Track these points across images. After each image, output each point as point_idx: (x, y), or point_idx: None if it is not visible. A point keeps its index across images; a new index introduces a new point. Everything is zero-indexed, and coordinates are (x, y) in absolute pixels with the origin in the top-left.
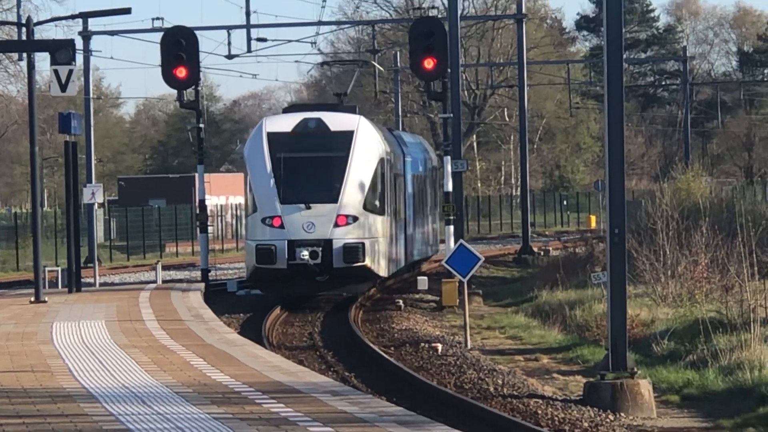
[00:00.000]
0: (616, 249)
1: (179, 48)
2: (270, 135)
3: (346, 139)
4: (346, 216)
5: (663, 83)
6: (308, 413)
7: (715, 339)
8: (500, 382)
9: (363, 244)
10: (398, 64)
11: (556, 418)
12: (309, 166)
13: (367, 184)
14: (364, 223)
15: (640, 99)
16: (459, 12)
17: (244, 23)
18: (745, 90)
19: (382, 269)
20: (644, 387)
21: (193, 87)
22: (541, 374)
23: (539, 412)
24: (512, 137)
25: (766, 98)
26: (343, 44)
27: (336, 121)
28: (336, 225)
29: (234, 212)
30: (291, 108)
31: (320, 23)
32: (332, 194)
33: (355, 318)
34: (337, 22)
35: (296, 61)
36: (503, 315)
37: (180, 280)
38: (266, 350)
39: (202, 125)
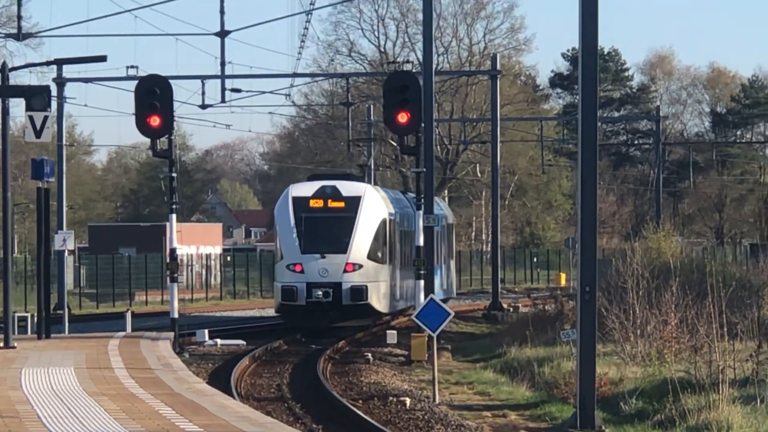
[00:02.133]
0: (587, 307)
1: (153, 97)
2: (294, 199)
3: (354, 202)
4: (353, 264)
5: (636, 142)
6: None
7: (684, 399)
8: None
9: (366, 286)
10: (371, 117)
11: None
12: (324, 223)
13: (371, 238)
14: (368, 270)
15: (613, 158)
16: (433, 67)
17: (219, 73)
18: (718, 151)
19: (382, 306)
20: None
21: (167, 136)
22: (508, 431)
23: None
24: (484, 193)
25: (739, 159)
26: (317, 96)
27: (347, 188)
28: (345, 271)
29: (204, 262)
30: (313, 177)
31: (295, 75)
32: (342, 246)
33: (324, 370)
34: (312, 75)
35: (270, 113)
36: (472, 370)
37: (149, 329)
38: (235, 401)
39: (174, 174)
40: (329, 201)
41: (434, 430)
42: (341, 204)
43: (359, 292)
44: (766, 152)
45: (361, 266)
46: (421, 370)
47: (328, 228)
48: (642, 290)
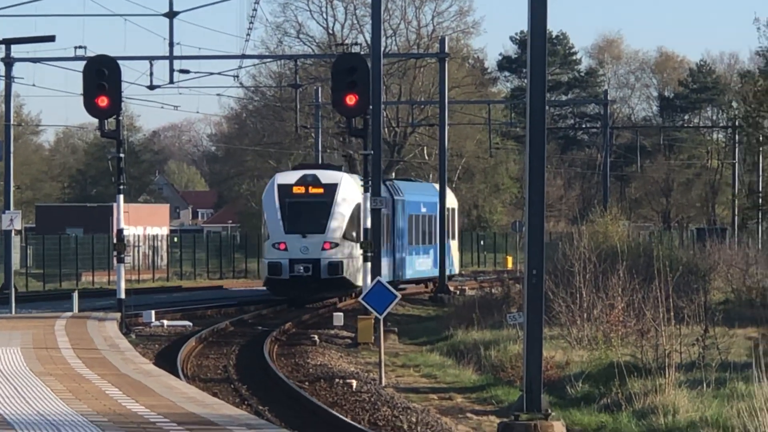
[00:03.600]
0: (534, 290)
1: (101, 77)
2: (279, 186)
3: (332, 189)
4: (330, 242)
5: (583, 126)
6: None
7: (630, 383)
8: (414, 420)
9: (342, 262)
10: (319, 99)
11: None
12: (305, 207)
13: (346, 220)
14: (344, 248)
15: (560, 141)
16: (382, 49)
17: (167, 54)
18: (665, 135)
19: (357, 280)
20: (558, 429)
21: (115, 116)
22: (455, 413)
23: None
24: (431, 176)
25: (686, 144)
26: (265, 78)
27: (326, 176)
28: (323, 249)
29: (151, 243)
30: (298, 166)
31: (243, 57)
32: (321, 227)
33: (270, 352)
34: (260, 56)
35: (218, 94)
36: (418, 353)
37: (96, 309)
38: (181, 381)
39: (122, 155)
40: (310, 188)
41: (380, 413)
42: (320, 190)
43: (336, 267)
44: (713, 137)
45: (337, 244)
46: (367, 353)
47: (308, 211)
48: (589, 274)
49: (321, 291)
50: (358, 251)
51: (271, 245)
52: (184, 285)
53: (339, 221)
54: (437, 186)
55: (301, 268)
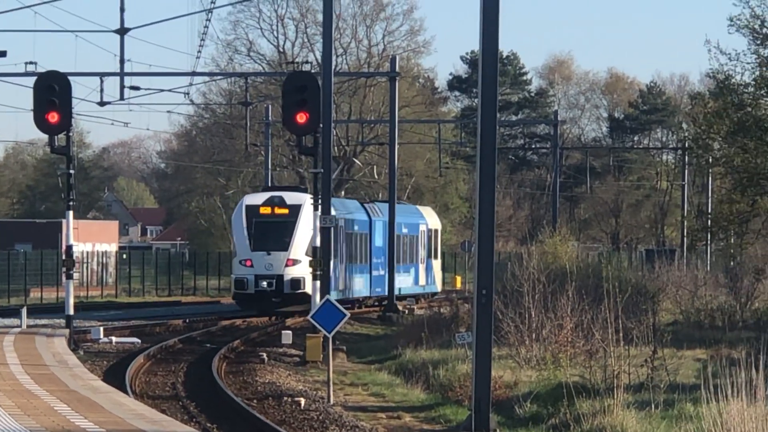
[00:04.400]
0: (483, 310)
1: (52, 93)
2: (247, 206)
3: (296, 210)
4: (293, 259)
5: (533, 146)
6: None
7: (578, 403)
8: None
9: (304, 278)
10: (269, 117)
11: None
12: (271, 226)
13: (309, 238)
14: (306, 265)
15: (510, 161)
16: (332, 68)
17: (118, 71)
18: (615, 156)
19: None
20: None
21: (65, 132)
22: None
23: None
24: (381, 195)
25: (635, 165)
26: (215, 96)
27: (291, 197)
28: (286, 265)
29: (100, 259)
30: (266, 188)
31: (194, 74)
32: (284, 245)
33: (219, 369)
34: (210, 73)
35: (168, 111)
36: (366, 372)
37: (45, 326)
38: (130, 398)
39: (72, 171)
40: (276, 208)
41: (329, 431)
42: (286, 211)
43: (298, 282)
44: (662, 158)
45: (299, 261)
46: (316, 371)
47: (273, 230)
48: (538, 294)
49: (284, 305)
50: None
51: (239, 262)
52: (153, 299)
53: (302, 240)
54: (420, 208)
55: (265, 283)
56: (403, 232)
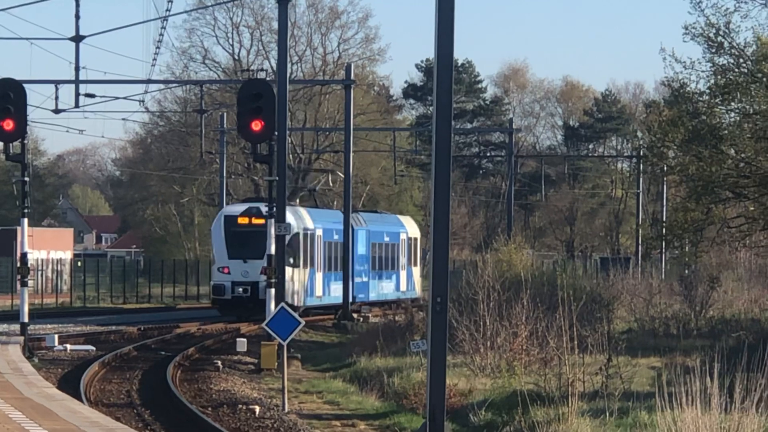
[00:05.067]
0: (438, 317)
1: (7, 101)
2: (226, 217)
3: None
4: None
5: (488, 154)
6: None
7: (533, 411)
8: None
9: None
10: (224, 125)
11: None
12: (247, 236)
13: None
14: None
15: (465, 169)
16: (287, 75)
17: (73, 78)
18: (570, 164)
19: (294, 301)
20: None
21: (19, 140)
22: None
23: None
24: (336, 203)
25: (590, 173)
26: (170, 103)
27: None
28: (261, 273)
29: (55, 267)
30: (245, 200)
31: (149, 81)
32: (260, 253)
33: (174, 377)
34: (165, 81)
35: (123, 119)
36: (321, 380)
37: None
38: (85, 406)
39: (27, 178)
40: (253, 218)
41: None
42: (262, 221)
43: None
44: (617, 166)
45: None
46: (270, 379)
47: (250, 239)
48: (493, 302)
49: (259, 311)
50: (295, 275)
51: (217, 269)
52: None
53: None
54: (401, 217)
55: (241, 289)
56: (385, 240)
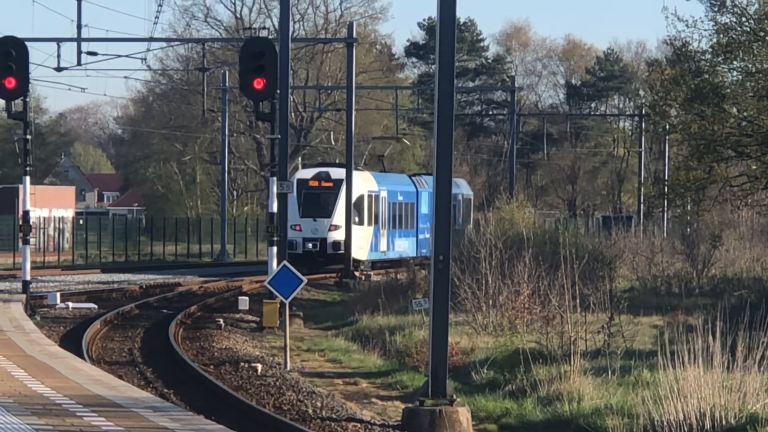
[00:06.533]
0: (440, 276)
1: (9, 58)
2: (298, 180)
3: (339, 183)
4: (335, 225)
5: (490, 113)
6: (129, 428)
7: (535, 369)
8: (319, 404)
9: (344, 240)
10: (226, 83)
11: None
12: (317, 197)
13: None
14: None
15: (467, 128)
16: (290, 34)
17: (75, 36)
18: (572, 123)
19: (358, 255)
20: (463, 415)
21: (22, 98)
22: (359, 398)
23: None
24: (338, 161)
25: (592, 132)
26: (172, 61)
27: (336, 173)
28: (329, 230)
29: (57, 225)
30: (316, 164)
31: (151, 39)
32: (328, 213)
33: (176, 335)
34: (168, 39)
35: (125, 77)
36: (323, 338)
37: (1, 291)
38: (87, 363)
39: (29, 136)
40: (322, 182)
41: (285, 397)
42: (330, 184)
43: (338, 244)
44: (619, 125)
45: (340, 227)
46: (272, 337)
47: (319, 200)
48: (495, 261)
49: (327, 264)
50: (359, 232)
51: (290, 226)
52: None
53: (343, 209)
54: (456, 179)
55: (311, 244)
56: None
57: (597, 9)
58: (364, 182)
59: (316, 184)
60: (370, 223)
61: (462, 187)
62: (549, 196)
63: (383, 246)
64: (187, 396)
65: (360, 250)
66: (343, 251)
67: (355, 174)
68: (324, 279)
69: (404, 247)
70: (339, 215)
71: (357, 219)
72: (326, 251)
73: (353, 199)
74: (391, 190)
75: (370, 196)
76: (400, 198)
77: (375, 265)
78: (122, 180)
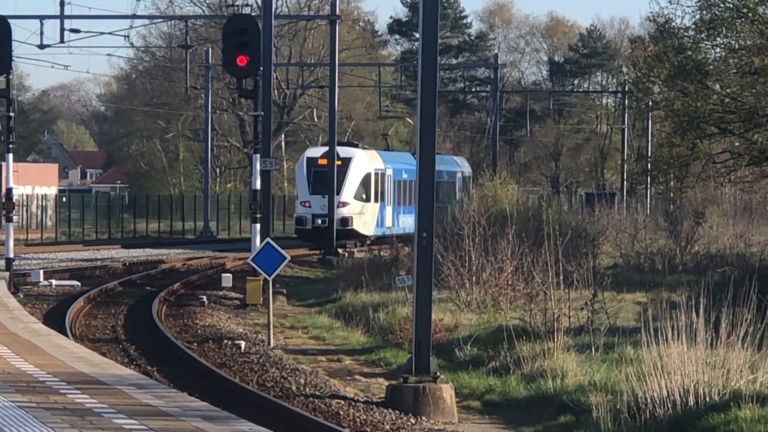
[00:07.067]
0: (424, 253)
1: None
2: (307, 158)
3: (347, 161)
4: (344, 202)
5: (473, 90)
6: (113, 405)
7: (518, 346)
8: (303, 381)
9: (352, 217)
10: (209, 60)
11: (357, 420)
12: (326, 175)
13: (357, 185)
14: (354, 206)
15: (450, 105)
16: (273, 11)
17: (58, 13)
18: (555, 100)
19: (365, 231)
20: (446, 392)
21: (5, 75)
22: (343, 375)
23: (341, 412)
24: (321, 138)
25: (575, 109)
26: (155, 39)
27: (344, 151)
28: (338, 206)
29: (40, 202)
30: (325, 143)
31: (134, 17)
32: (338, 190)
33: (159, 312)
34: (150, 17)
35: (108, 55)
36: (307, 315)
37: None
38: (70, 341)
39: (12, 114)
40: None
41: (269, 374)
42: (339, 162)
43: (347, 220)
44: (602, 102)
45: (349, 203)
46: (256, 314)
47: (329, 177)
48: (478, 237)
49: (336, 239)
50: (367, 209)
51: (300, 203)
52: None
53: (351, 186)
54: (456, 158)
55: (320, 220)
56: (444, 178)
57: None
58: (371, 161)
59: (324, 162)
60: (376, 200)
61: (463, 166)
62: (532, 173)
63: (389, 222)
64: (170, 373)
65: (366, 226)
66: (352, 227)
67: (362, 152)
68: (307, 256)
69: (408, 222)
70: (349, 192)
71: (364, 196)
72: (335, 227)
73: (360, 177)
74: (396, 168)
75: (376, 174)
76: (405, 176)
77: (380, 239)
78: (105, 157)
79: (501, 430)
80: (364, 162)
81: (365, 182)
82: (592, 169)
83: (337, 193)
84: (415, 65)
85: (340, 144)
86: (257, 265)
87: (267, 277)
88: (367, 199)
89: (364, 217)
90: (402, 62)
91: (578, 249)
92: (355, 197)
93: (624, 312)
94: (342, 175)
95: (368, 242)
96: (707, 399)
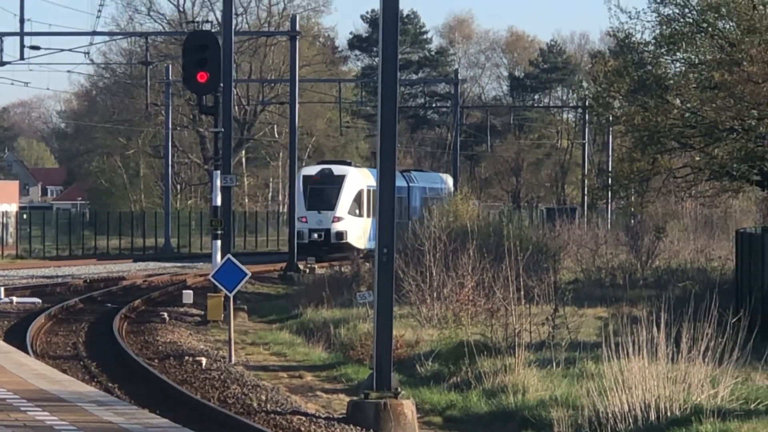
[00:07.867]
0: (384, 268)
1: None
2: (303, 176)
3: (341, 179)
4: (338, 217)
5: (433, 105)
6: (73, 422)
7: (480, 362)
8: (264, 398)
9: (346, 231)
10: (170, 77)
11: None
12: (321, 192)
13: (351, 201)
14: (348, 221)
15: (410, 120)
16: (233, 27)
17: (18, 30)
18: (515, 115)
19: (358, 244)
20: (407, 407)
21: None
22: (304, 392)
23: (302, 429)
24: (281, 154)
25: (536, 124)
26: (115, 55)
27: (338, 169)
28: (332, 221)
29: (0, 220)
30: (320, 162)
31: (94, 33)
32: (332, 206)
33: (120, 329)
34: (111, 33)
35: (68, 71)
36: (268, 331)
37: None
38: (31, 358)
39: None
40: (325, 177)
41: (230, 390)
42: (333, 180)
43: (341, 234)
44: (563, 117)
45: (343, 219)
46: (217, 330)
47: (323, 194)
48: (439, 253)
49: (331, 252)
50: (360, 223)
51: (297, 218)
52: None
53: (345, 202)
54: (442, 174)
55: (316, 235)
56: (429, 195)
57: (540, 1)
58: (363, 178)
59: (319, 179)
60: (368, 215)
61: (448, 183)
62: (493, 188)
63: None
64: (131, 390)
65: (359, 240)
66: (346, 240)
67: (355, 170)
68: (268, 272)
69: None
70: (343, 208)
71: (357, 211)
72: (330, 241)
73: (354, 194)
74: (422, 185)
75: (368, 191)
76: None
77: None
78: (66, 174)
79: None
80: (357, 179)
81: (358, 198)
82: (553, 184)
83: (333, 209)
84: (375, 81)
85: (335, 162)
86: (218, 282)
87: (228, 293)
88: (360, 215)
89: (357, 231)
90: (362, 78)
91: (539, 264)
92: (349, 212)
93: (585, 327)
94: (336, 192)
95: (361, 255)
96: (668, 414)
